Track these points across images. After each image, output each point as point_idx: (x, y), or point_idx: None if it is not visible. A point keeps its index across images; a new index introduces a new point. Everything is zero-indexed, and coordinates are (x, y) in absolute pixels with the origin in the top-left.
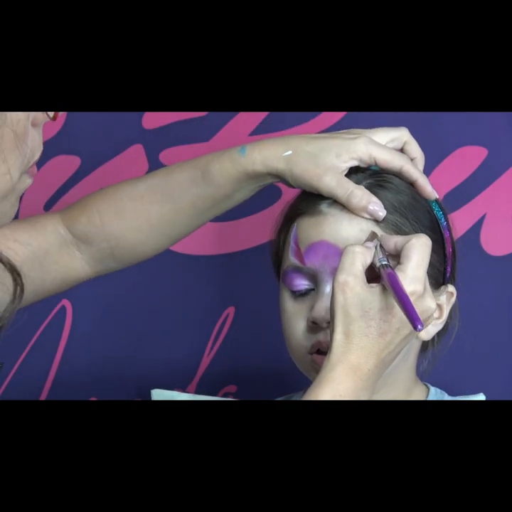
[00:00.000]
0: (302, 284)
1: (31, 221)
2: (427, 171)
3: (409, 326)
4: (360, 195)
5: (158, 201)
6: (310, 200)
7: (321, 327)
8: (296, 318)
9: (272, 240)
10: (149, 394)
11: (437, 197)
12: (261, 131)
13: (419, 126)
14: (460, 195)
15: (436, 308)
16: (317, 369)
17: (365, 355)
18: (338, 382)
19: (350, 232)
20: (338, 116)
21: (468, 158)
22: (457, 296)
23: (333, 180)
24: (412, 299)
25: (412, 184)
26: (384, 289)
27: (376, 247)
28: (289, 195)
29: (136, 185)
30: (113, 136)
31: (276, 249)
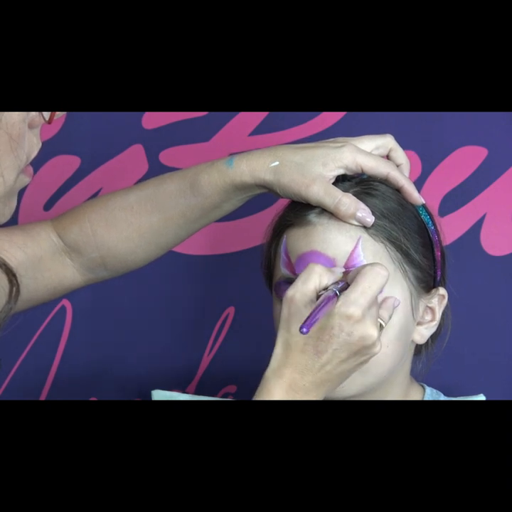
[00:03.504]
0: None
1: (25, 228)
2: (427, 171)
3: (348, 350)
4: (348, 202)
5: (148, 211)
6: (298, 211)
7: None
8: None
9: (262, 252)
10: (149, 394)
11: (424, 202)
12: (261, 131)
13: (419, 126)
14: (460, 195)
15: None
16: None
17: (300, 370)
18: (272, 394)
19: (340, 240)
20: (338, 116)
21: (468, 158)
22: (457, 297)
23: (320, 189)
24: (349, 322)
25: (398, 190)
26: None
27: (342, 277)
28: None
29: (127, 196)
30: (113, 136)
31: (267, 262)
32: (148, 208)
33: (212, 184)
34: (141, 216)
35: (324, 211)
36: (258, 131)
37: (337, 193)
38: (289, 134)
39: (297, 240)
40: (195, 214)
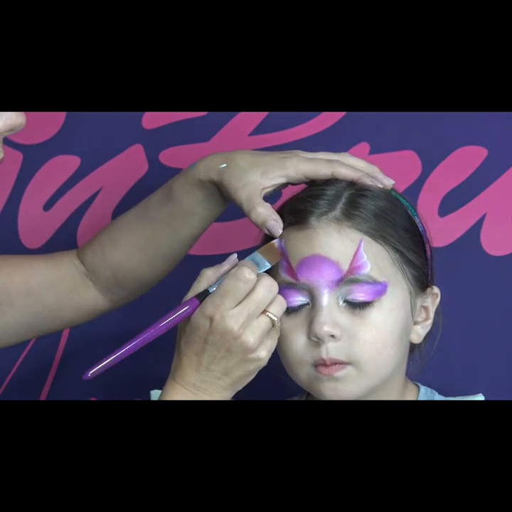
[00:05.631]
0: (297, 300)
1: (49, 255)
2: (427, 171)
3: (219, 348)
4: (260, 212)
5: (141, 225)
6: (297, 213)
7: (323, 341)
8: (293, 334)
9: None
10: (149, 394)
11: (393, 183)
12: (261, 131)
13: (419, 126)
14: (460, 195)
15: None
16: (321, 380)
17: (188, 372)
18: (169, 395)
19: (342, 243)
20: (338, 116)
21: (468, 158)
22: (457, 297)
23: (244, 194)
24: (211, 322)
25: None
26: None
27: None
28: (288, 195)
29: (127, 214)
30: (113, 136)
31: None
32: (141, 222)
33: (180, 187)
34: (137, 230)
35: (322, 215)
36: (258, 131)
37: (255, 201)
38: (289, 134)
39: (297, 244)
40: (176, 221)
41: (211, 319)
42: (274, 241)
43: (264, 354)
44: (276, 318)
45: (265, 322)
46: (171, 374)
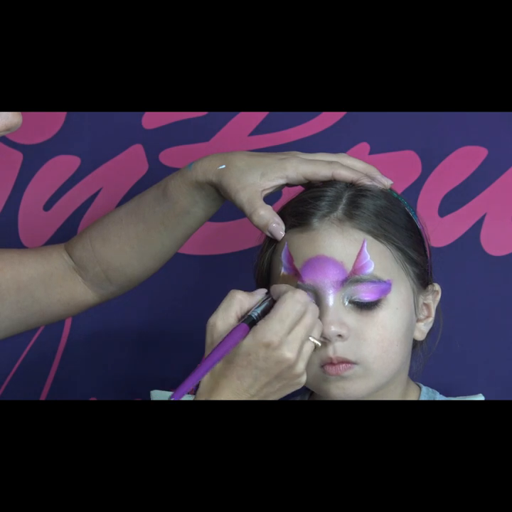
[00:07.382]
0: None
1: (39, 249)
2: (427, 171)
3: (268, 374)
4: (262, 214)
5: (134, 222)
6: (299, 215)
7: (330, 341)
8: None
9: (256, 262)
10: (149, 394)
11: (392, 183)
12: (261, 131)
13: (419, 126)
14: (460, 195)
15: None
16: (328, 380)
17: (226, 395)
18: None
19: (345, 244)
20: (338, 116)
21: (468, 158)
22: (457, 297)
23: (245, 197)
24: (266, 349)
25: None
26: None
27: (265, 298)
28: (288, 195)
29: (118, 211)
30: (113, 136)
31: (261, 270)
32: (134, 220)
33: (176, 188)
34: (129, 228)
35: (324, 216)
36: (258, 131)
37: (257, 203)
38: (289, 134)
39: (301, 246)
40: (171, 221)
41: (267, 346)
42: (281, 270)
43: (305, 379)
44: (319, 344)
45: (310, 347)
46: (205, 395)
